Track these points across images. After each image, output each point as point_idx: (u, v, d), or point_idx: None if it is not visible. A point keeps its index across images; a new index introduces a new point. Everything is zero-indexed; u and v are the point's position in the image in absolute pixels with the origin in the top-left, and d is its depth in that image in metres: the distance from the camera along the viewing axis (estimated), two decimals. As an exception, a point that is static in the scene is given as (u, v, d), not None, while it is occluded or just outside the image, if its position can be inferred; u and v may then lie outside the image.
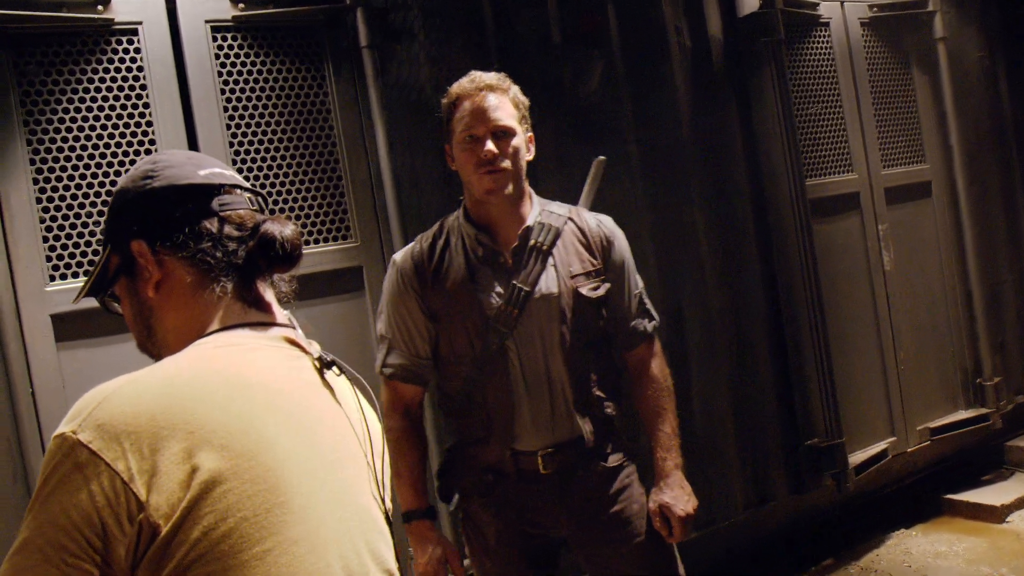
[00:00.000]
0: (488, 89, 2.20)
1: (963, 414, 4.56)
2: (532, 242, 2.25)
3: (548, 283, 2.24)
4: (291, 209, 2.86)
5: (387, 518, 1.22)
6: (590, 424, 2.27)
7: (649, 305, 2.44)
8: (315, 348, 1.25)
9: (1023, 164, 5.04)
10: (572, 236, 2.30)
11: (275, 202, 2.84)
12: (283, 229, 1.19)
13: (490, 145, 2.16)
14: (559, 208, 2.34)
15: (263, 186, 2.82)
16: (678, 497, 2.31)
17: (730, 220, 3.77)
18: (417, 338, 2.29)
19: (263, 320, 1.20)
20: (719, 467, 3.63)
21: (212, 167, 1.24)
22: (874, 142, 4.33)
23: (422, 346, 2.30)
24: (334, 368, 1.22)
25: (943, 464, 4.56)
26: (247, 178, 2.79)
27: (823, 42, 4.21)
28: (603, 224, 2.37)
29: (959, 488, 4.52)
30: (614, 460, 2.34)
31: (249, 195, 1.25)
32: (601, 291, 2.30)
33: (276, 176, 2.85)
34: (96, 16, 2.58)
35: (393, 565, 1.20)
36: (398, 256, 2.35)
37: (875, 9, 4.39)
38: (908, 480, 4.45)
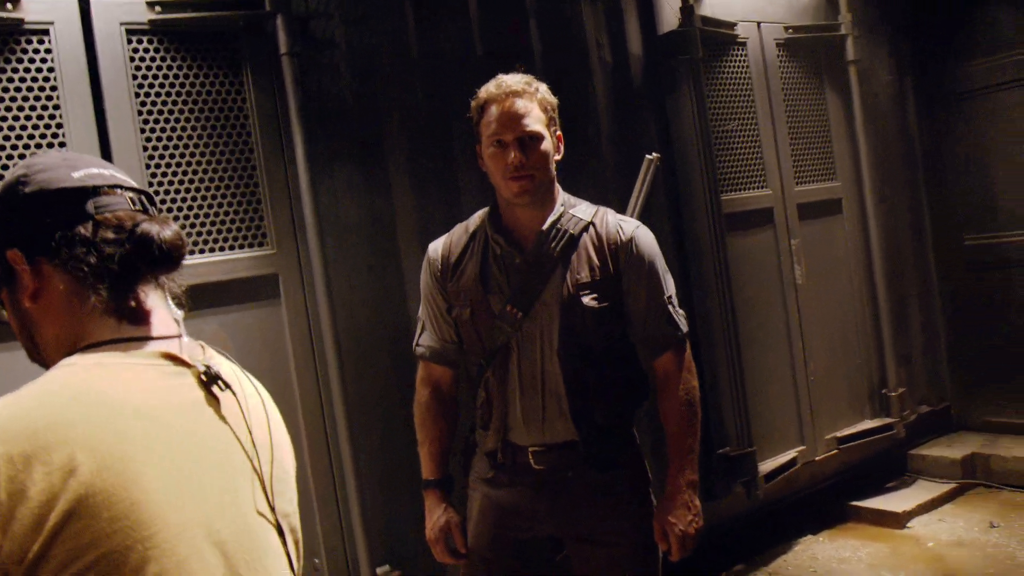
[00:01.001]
0: (515, 95, 2.22)
1: (869, 423, 4.73)
2: (544, 247, 2.28)
3: (553, 289, 2.26)
4: (207, 215, 2.84)
5: (279, 530, 1.18)
6: (582, 430, 2.29)
7: (676, 313, 2.36)
8: (207, 355, 1.20)
9: (929, 184, 5.26)
10: (589, 242, 2.30)
11: (190, 208, 2.81)
12: (162, 230, 1.14)
13: (517, 153, 2.19)
14: (584, 211, 2.33)
15: (178, 191, 2.79)
16: (680, 517, 2.31)
17: (647, 233, 3.84)
18: (443, 323, 2.41)
19: (139, 335, 1.14)
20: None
21: (89, 168, 1.18)
22: (788, 159, 4.47)
23: (447, 331, 2.42)
24: (218, 382, 1.16)
25: (849, 472, 4.71)
26: (161, 183, 2.76)
27: (740, 61, 4.33)
28: (623, 229, 2.32)
29: (864, 495, 4.69)
30: (608, 469, 2.33)
31: (132, 195, 1.19)
32: (606, 302, 2.27)
33: (192, 182, 2.82)
34: (5, 15, 2.52)
35: None
36: (430, 246, 2.44)
37: (790, 31, 4.54)
38: (816, 487, 4.59)
